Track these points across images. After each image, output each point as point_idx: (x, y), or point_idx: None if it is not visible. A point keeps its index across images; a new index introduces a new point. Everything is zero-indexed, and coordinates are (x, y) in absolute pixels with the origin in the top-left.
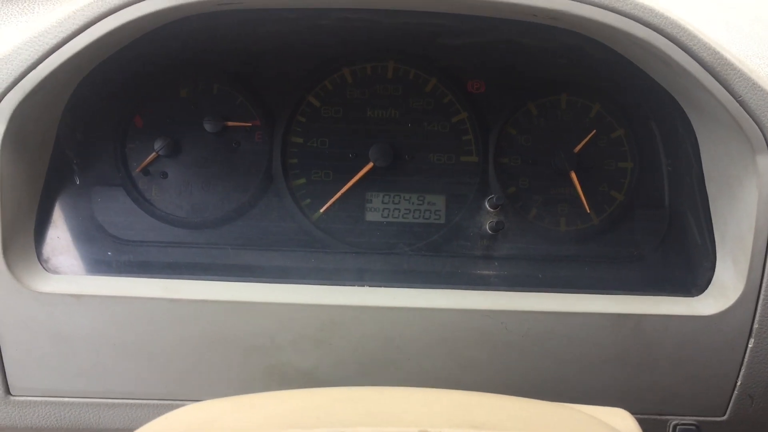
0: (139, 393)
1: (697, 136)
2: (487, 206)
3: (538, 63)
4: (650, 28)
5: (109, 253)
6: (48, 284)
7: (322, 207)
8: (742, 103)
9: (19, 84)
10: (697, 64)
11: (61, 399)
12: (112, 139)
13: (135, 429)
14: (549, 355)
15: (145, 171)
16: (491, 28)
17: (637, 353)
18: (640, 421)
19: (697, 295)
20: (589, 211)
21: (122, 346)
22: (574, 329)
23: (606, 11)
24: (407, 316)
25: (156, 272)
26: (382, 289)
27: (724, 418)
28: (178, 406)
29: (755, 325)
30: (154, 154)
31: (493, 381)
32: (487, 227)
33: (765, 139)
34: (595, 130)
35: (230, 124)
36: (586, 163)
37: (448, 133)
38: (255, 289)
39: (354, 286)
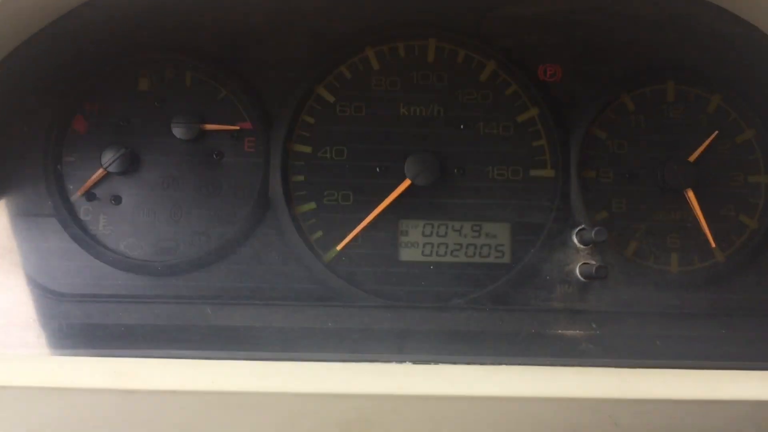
0: None
1: None
2: (576, 241)
3: (634, 40)
4: None
5: (35, 316)
6: None
7: (339, 243)
8: None
9: None
10: None
11: None
12: (41, 149)
13: None
14: None
15: (90, 195)
16: None
17: None
18: None
19: None
20: (714, 246)
21: None
22: (716, 425)
23: None
24: (471, 409)
25: (104, 344)
26: (432, 367)
27: None
28: None
29: None
30: (101, 170)
31: None
32: (578, 272)
33: None
34: (716, 132)
35: (209, 127)
36: (705, 178)
37: (512, 137)
38: (245, 371)
39: (391, 362)
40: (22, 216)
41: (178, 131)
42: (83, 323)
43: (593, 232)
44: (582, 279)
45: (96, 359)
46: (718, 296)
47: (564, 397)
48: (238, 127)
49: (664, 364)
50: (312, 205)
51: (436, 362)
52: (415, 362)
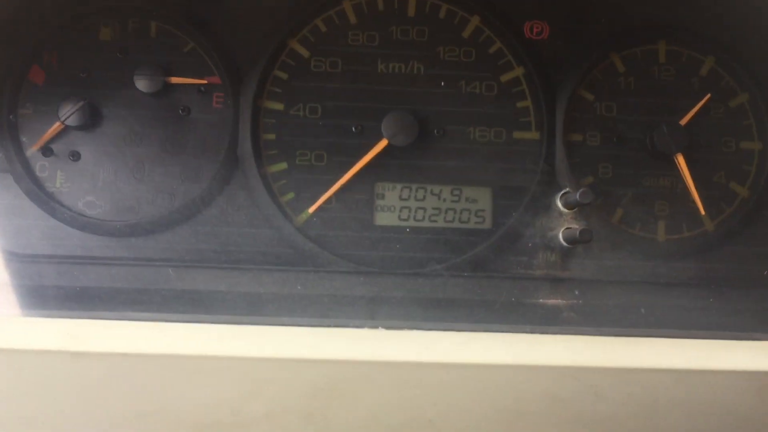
0: None
1: None
2: (560, 205)
3: None
4: None
5: None
6: None
7: (311, 205)
8: None
9: None
10: None
11: None
12: None
13: None
14: None
15: (46, 150)
16: None
17: None
18: None
19: None
20: (703, 213)
21: (4, 427)
22: (700, 396)
23: None
24: (445, 377)
25: (56, 305)
26: (406, 332)
27: None
28: None
29: None
30: (58, 124)
31: None
32: (561, 237)
33: None
34: (708, 95)
35: (175, 80)
36: (696, 143)
37: (496, 97)
38: (209, 335)
39: (362, 327)
40: None
41: (141, 84)
42: (37, 284)
43: (578, 194)
44: (565, 244)
45: (49, 320)
46: (706, 266)
47: (543, 365)
48: (205, 82)
49: (649, 333)
50: (283, 165)
51: (410, 329)
52: (387, 328)
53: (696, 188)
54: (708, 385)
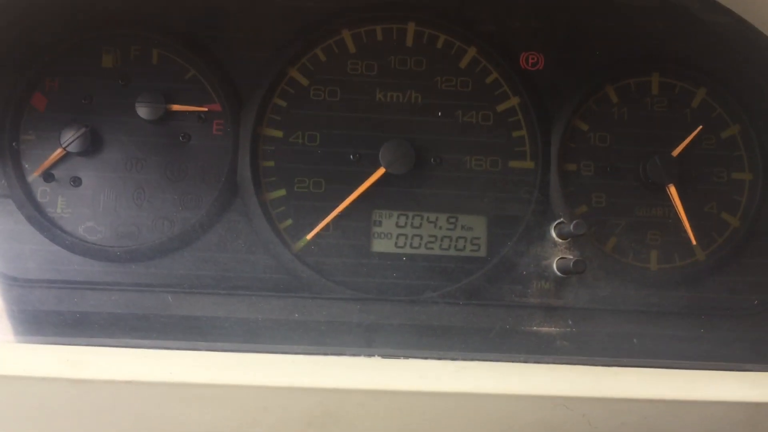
0: None
1: None
2: (554, 235)
3: (620, 30)
4: None
5: None
6: None
7: (309, 232)
8: None
9: None
10: None
11: None
12: None
13: None
14: None
15: (48, 176)
16: None
17: None
18: None
19: None
20: (695, 243)
21: None
22: (692, 427)
23: None
24: (440, 405)
25: (55, 332)
26: (401, 361)
27: None
28: None
29: None
30: (60, 150)
31: None
32: (555, 267)
33: None
34: (701, 126)
35: (176, 108)
36: (688, 173)
37: (492, 126)
38: (207, 363)
39: (359, 355)
40: None
41: (142, 111)
42: (36, 309)
43: (572, 225)
44: (559, 274)
45: (48, 347)
46: (697, 295)
47: (537, 395)
48: (206, 109)
49: (641, 363)
50: (282, 191)
51: (406, 357)
52: (383, 356)
53: (688, 218)
54: (700, 416)
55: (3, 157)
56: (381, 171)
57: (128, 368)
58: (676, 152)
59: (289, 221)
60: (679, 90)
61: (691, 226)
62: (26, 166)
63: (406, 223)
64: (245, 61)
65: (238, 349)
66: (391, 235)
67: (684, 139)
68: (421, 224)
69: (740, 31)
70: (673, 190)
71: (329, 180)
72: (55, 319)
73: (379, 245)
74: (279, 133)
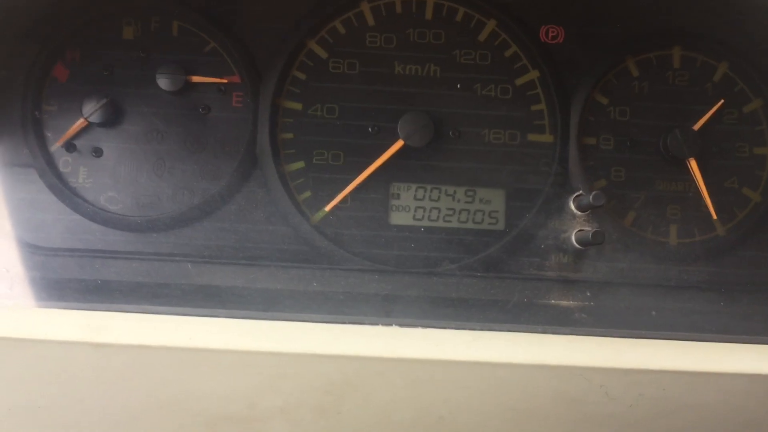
0: None
1: None
2: (573, 207)
3: (641, 2)
4: None
5: (8, 267)
6: None
7: (327, 204)
8: None
9: None
10: None
11: None
12: (20, 97)
13: None
14: None
15: (70, 146)
16: None
17: None
18: None
19: None
20: (715, 217)
21: (22, 416)
22: (709, 399)
23: None
24: (457, 375)
25: (77, 298)
26: (419, 330)
27: None
28: None
29: None
30: (82, 120)
31: None
32: (574, 239)
33: None
34: (722, 100)
35: (196, 80)
36: (709, 148)
37: (511, 100)
38: (226, 329)
39: (376, 325)
40: (1, 165)
41: (163, 82)
42: (58, 276)
43: (591, 196)
44: (578, 246)
45: (70, 312)
46: (717, 270)
47: (554, 365)
48: (225, 81)
49: (659, 335)
50: (301, 163)
51: (424, 326)
52: (401, 326)
53: (708, 193)
54: (717, 388)
55: (25, 127)
56: (399, 143)
57: (148, 333)
58: (697, 126)
59: (308, 193)
60: (701, 64)
61: (711, 200)
62: (49, 135)
63: (424, 196)
64: (264, 33)
65: (257, 317)
66: (409, 208)
67: (705, 114)
68: (439, 197)
69: (763, 5)
70: (693, 164)
71: (348, 152)
72: (76, 286)
73: (397, 218)
74: (298, 106)
